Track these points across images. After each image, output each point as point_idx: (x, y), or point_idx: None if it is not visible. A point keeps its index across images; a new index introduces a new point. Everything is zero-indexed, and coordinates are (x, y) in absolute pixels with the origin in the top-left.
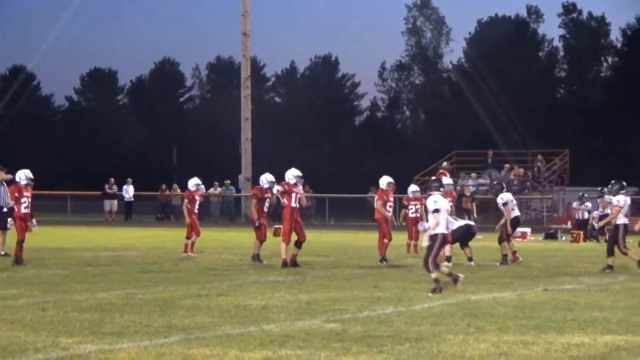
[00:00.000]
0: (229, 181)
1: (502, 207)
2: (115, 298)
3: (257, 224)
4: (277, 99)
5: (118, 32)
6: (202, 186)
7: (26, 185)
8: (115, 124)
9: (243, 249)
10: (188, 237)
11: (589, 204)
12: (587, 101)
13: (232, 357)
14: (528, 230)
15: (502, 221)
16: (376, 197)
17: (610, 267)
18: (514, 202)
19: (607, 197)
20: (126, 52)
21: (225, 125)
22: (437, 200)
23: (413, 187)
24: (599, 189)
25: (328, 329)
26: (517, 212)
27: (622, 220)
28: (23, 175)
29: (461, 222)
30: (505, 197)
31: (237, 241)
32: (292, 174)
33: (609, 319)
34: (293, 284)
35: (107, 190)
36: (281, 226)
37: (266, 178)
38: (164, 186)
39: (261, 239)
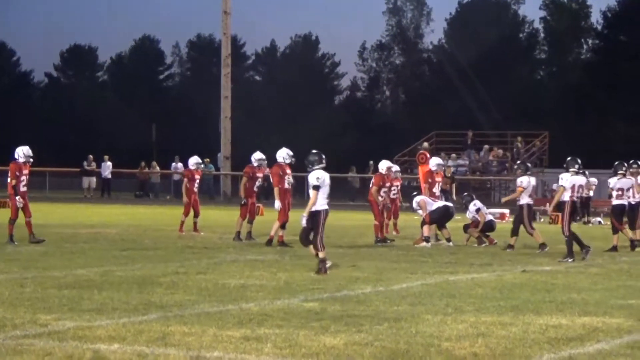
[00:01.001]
0: (208, 159)
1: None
2: (94, 275)
3: (242, 202)
4: (257, 78)
5: (98, 9)
6: (203, 165)
7: (24, 162)
8: (95, 101)
9: (222, 227)
10: (185, 215)
11: None
12: (567, 83)
13: (210, 335)
14: (507, 211)
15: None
16: (372, 181)
17: (511, 246)
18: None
19: (590, 180)
20: (106, 29)
21: (204, 103)
22: (320, 177)
23: (394, 167)
24: (582, 170)
25: (306, 308)
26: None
27: (525, 200)
28: (22, 153)
29: (440, 203)
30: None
31: (216, 219)
32: (286, 154)
33: (587, 300)
34: (272, 263)
35: (86, 167)
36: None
37: (255, 157)
38: (142, 163)
39: (244, 217)
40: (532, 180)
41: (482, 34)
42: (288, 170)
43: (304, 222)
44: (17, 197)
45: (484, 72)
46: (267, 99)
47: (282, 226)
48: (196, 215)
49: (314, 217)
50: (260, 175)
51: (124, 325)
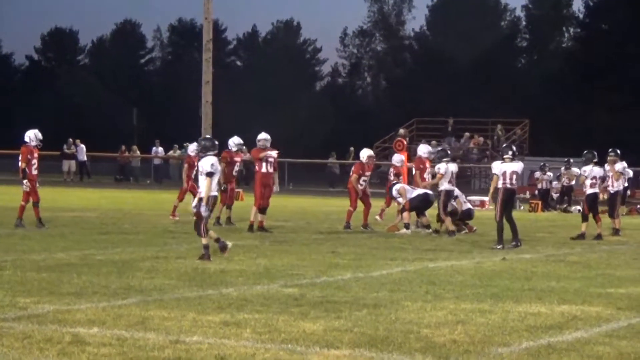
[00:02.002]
0: (188, 144)
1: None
2: (74, 259)
3: (222, 188)
4: (239, 63)
5: None
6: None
7: (35, 146)
8: (76, 85)
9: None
10: (180, 200)
11: (550, 174)
12: (549, 71)
13: (190, 319)
14: (486, 199)
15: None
16: (353, 169)
17: (436, 231)
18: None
19: (573, 169)
20: (87, 13)
21: (185, 87)
22: (214, 163)
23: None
24: (565, 159)
25: (286, 294)
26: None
27: (445, 186)
28: (33, 136)
29: (419, 191)
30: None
31: None
32: (264, 138)
33: (566, 288)
34: (252, 248)
35: (66, 151)
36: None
37: (234, 141)
38: (123, 147)
39: (224, 203)
40: (452, 167)
41: (464, 21)
42: (271, 154)
43: (203, 211)
44: (25, 181)
45: (465, 59)
46: (248, 84)
47: (262, 211)
48: (229, 206)
49: (207, 202)
50: (238, 160)
51: (103, 309)
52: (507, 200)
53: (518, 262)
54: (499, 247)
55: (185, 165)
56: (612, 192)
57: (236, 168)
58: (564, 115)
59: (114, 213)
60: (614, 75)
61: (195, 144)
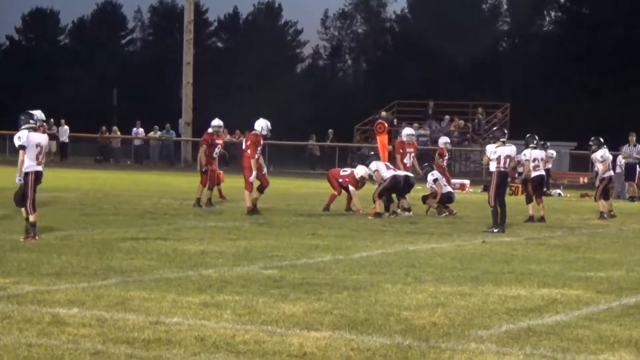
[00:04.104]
0: (169, 125)
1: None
2: (54, 239)
3: (203, 169)
4: (219, 44)
5: None
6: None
7: (39, 126)
8: (56, 65)
9: (182, 193)
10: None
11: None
12: (530, 55)
13: (170, 300)
14: (467, 182)
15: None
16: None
17: (394, 212)
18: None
19: (549, 151)
20: None
21: (166, 69)
22: (22, 136)
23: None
24: (542, 143)
25: (266, 276)
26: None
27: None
28: (36, 116)
29: (400, 173)
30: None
31: (177, 185)
32: (265, 125)
33: (546, 272)
34: (232, 230)
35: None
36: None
37: (214, 123)
38: (103, 128)
39: (205, 184)
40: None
41: (445, 4)
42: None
43: (17, 181)
44: None
45: (446, 42)
46: (229, 66)
47: (261, 190)
48: (211, 187)
49: (25, 178)
50: (219, 142)
51: (83, 289)
52: (501, 184)
53: (498, 245)
54: (496, 230)
55: (204, 146)
56: (534, 176)
57: (216, 150)
58: (545, 98)
59: (94, 194)
60: (594, 59)
61: (217, 120)
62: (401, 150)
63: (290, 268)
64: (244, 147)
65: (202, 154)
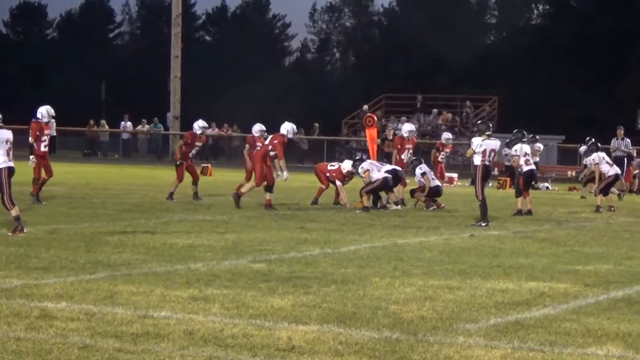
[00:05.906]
0: (157, 119)
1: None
2: (42, 233)
3: (177, 163)
4: (207, 38)
5: None
6: (265, 132)
7: (47, 122)
8: (44, 58)
9: (170, 187)
10: (247, 179)
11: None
12: (517, 48)
13: (158, 294)
14: (455, 175)
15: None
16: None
17: (384, 207)
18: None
19: (536, 145)
20: None
21: (154, 62)
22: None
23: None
24: (530, 135)
25: (254, 269)
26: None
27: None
28: (45, 112)
29: (388, 167)
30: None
31: (165, 179)
32: (291, 128)
33: (534, 265)
34: (220, 223)
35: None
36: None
37: (198, 124)
38: (91, 122)
39: (181, 179)
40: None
41: None
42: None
43: None
44: (32, 157)
45: (434, 35)
46: (217, 60)
47: (269, 189)
48: (195, 181)
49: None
50: (199, 144)
51: (71, 283)
52: (485, 177)
53: (486, 238)
54: (484, 224)
55: (247, 146)
56: (526, 170)
57: (193, 151)
58: (533, 91)
59: (82, 187)
60: (582, 52)
61: (259, 124)
62: (399, 146)
63: (278, 262)
64: (260, 144)
65: (179, 148)
